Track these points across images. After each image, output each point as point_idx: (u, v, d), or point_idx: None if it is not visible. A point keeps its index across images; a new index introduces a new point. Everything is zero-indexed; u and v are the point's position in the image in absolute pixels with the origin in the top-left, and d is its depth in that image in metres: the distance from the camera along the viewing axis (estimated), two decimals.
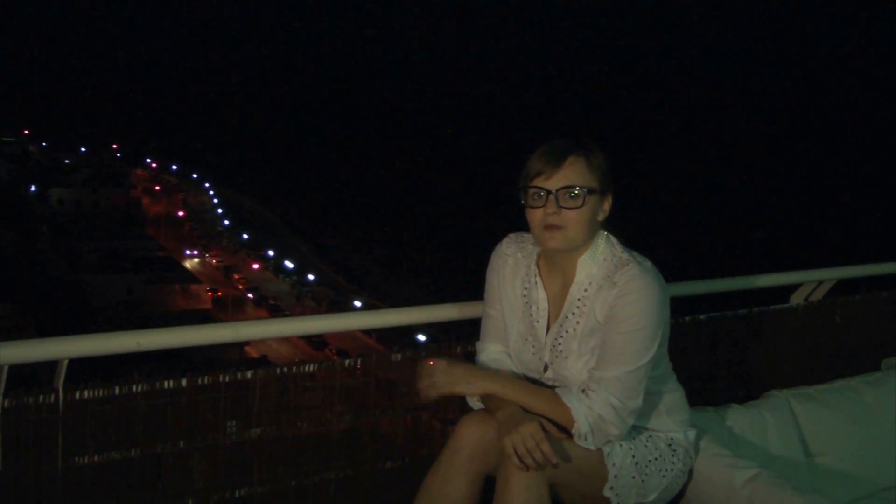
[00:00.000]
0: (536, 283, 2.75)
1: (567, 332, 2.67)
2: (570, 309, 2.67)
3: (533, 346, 2.74)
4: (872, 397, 3.64)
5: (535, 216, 2.61)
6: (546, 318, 2.73)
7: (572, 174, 2.57)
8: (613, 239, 2.69)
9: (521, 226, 2.75)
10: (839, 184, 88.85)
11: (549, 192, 2.57)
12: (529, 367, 2.76)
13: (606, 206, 2.67)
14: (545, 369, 2.72)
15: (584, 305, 2.65)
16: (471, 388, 2.66)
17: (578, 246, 2.64)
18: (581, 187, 2.57)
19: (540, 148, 2.64)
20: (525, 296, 2.77)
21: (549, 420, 2.58)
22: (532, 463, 2.44)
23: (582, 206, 2.57)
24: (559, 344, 2.68)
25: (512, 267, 2.80)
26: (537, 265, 2.76)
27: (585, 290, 2.65)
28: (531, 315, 2.75)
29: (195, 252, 73.52)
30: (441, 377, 2.66)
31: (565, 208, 2.57)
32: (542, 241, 2.63)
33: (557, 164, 2.57)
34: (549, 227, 2.59)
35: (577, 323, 2.65)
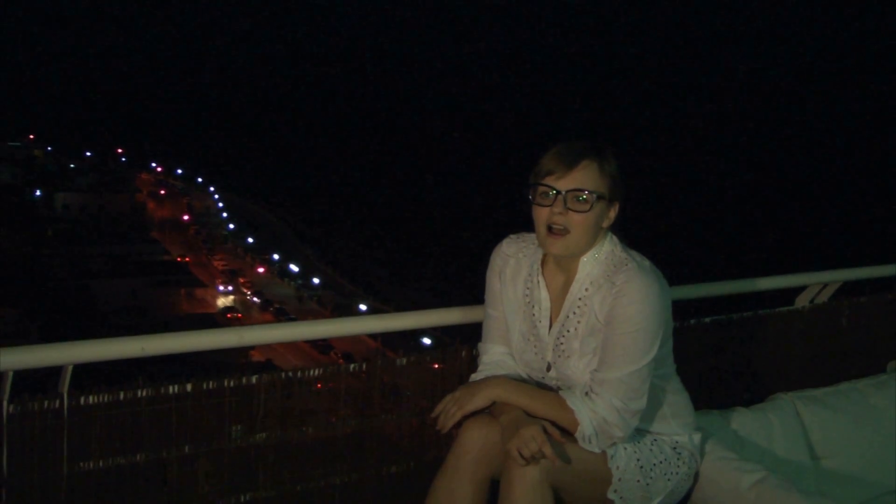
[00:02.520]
0: (539, 282, 2.75)
1: (569, 331, 2.67)
2: (572, 308, 2.67)
3: (535, 346, 2.74)
4: (878, 400, 3.63)
5: (541, 214, 2.61)
6: (548, 317, 2.73)
7: (583, 178, 2.57)
8: (615, 239, 2.70)
9: (526, 229, 2.75)
10: (844, 185, 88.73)
11: (558, 193, 2.57)
12: (532, 366, 2.76)
13: (612, 213, 2.66)
14: (548, 369, 2.72)
15: (585, 305, 2.65)
16: (476, 402, 2.67)
17: (580, 253, 2.65)
18: (590, 192, 2.57)
19: (555, 146, 2.64)
20: (527, 295, 2.77)
21: (553, 423, 2.58)
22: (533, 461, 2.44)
23: (588, 210, 2.57)
24: (561, 343, 2.68)
25: (513, 267, 2.80)
26: (541, 264, 2.77)
27: (586, 290, 2.65)
28: (533, 315, 2.75)
29: (230, 288, 65.58)
30: (451, 406, 2.67)
31: (572, 210, 2.57)
32: (545, 245, 2.63)
33: (570, 166, 2.57)
34: (553, 231, 2.59)
35: (578, 322, 2.65)
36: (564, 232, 2.58)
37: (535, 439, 2.45)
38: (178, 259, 71.72)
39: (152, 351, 2.65)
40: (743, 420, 3.26)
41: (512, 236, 2.86)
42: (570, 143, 2.64)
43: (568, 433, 2.58)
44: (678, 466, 2.73)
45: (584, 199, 2.57)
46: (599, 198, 2.58)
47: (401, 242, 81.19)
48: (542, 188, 2.60)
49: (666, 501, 2.72)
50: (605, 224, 2.66)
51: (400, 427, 3.04)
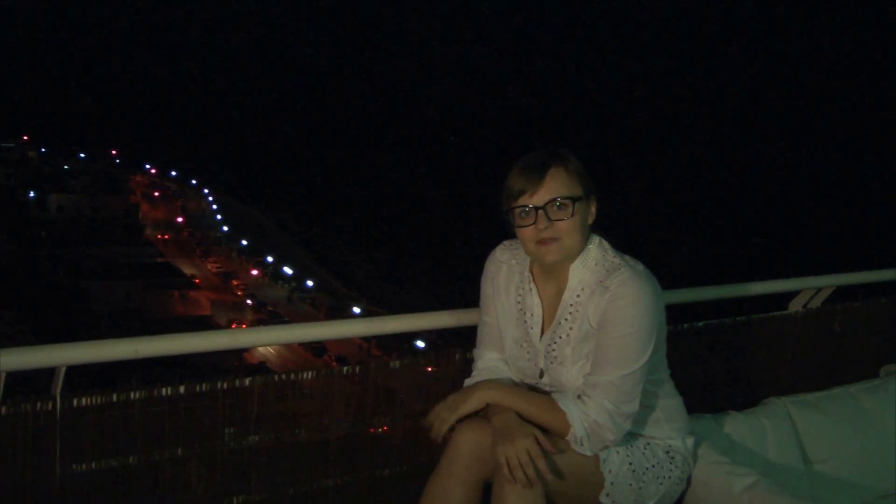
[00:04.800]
0: (531, 289, 2.75)
1: (561, 337, 2.67)
2: (563, 315, 2.68)
3: (528, 353, 2.75)
4: (871, 404, 3.64)
5: (527, 234, 2.61)
6: (540, 324, 2.73)
7: (555, 186, 2.58)
8: (606, 244, 2.70)
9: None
10: (838, 190, 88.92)
11: (536, 209, 2.57)
12: (526, 372, 2.77)
13: (593, 208, 2.68)
14: (541, 375, 2.73)
15: (577, 311, 2.65)
16: (470, 404, 2.66)
17: (575, 254, 2.65)
18: (567, 197, 2.58)
19: (516, 165, 2.64)
20: (519, 302, 2.77)
21: (546, 428, 2.58)
22: (522, 478, 2.43)
23: (572, 215, 2.58)
24: (553, 350, 2.69)
25: (506, 274, 2.81)
26: (531, 272, 2.77)
27: (578, 296, 2.66)
28: (525, 321, 2.75)
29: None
30: (444, 412, 2.66)
31: (556, 220, 2.57)
32: (539, 256, 2.63)
33: (539, 179, 2.58)
34: (544, 241, 2.59)
35: (571, 328, 2.66)
36: (556, 240, 2.59)
37: (528, 451, 2.45)
38: (158, 237, 73.68)
39: (145, 353, 2.64)
40: (736, 424, 3.26)
41: (506, 242, 2.85)
42: (528, 157, 2.64)
43: (560, 436, 2.58)
44: (671, 470, 2.74)
45: (561, 205, 2.57)
46: (576, 199, 2.59)
47: (395, 245, 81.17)
48: (518, 210, 2.60)
49: None
50: (590, 220, 2.67)
51: (393, 430, 3.04)
